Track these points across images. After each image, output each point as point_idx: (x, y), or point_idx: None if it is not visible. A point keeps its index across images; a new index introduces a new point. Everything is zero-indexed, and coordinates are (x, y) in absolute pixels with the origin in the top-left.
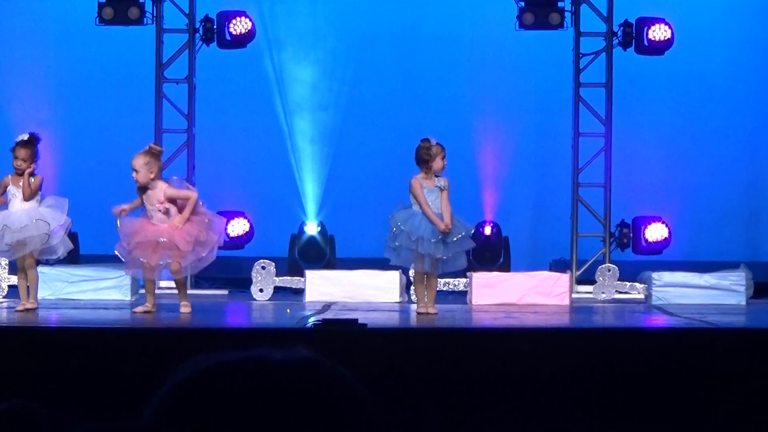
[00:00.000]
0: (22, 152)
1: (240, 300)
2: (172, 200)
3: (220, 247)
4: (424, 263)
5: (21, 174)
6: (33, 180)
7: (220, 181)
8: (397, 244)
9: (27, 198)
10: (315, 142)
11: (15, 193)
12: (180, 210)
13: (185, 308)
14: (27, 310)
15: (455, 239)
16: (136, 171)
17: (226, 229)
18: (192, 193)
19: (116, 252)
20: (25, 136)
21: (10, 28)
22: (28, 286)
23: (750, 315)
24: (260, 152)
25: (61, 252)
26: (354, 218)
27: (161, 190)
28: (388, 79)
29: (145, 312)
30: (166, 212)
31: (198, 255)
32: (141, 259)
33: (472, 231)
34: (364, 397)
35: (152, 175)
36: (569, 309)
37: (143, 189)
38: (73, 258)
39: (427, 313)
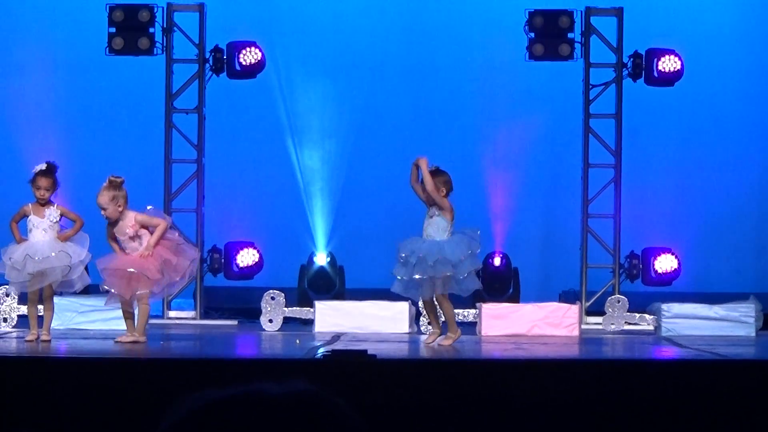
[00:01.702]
0: (44, 182)
1: (249, 330)
2: (144, 227)
3: (194, 275)
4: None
5: (43, 204)
6: (55, 210)
7: (229, 211)
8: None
9: (79, 228)
10: (324, 173)
11: (36, 223)
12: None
13: (128, 338)
14: (42, 341)
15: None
16: (103, 209)
17: (206, 259)
18: (161, 221)
19: (101, 288)
20: (43, 166)
21: (21, 58)
22: (39, 316)
23: (760, 346)
24: (270, 183)
25: (78, 286)
26: (363, 249)
27: (131, 218)
28: (397, 109)
29: (134, 342)
30: (137, 238)
31: (171, 279)
32: (112, 290)
33: (479, 249)
34: (364, 429)
35: (120, 209)
36: (579, 340)
37: (114, 223)
38: (83, 288)
39: (439, 344)
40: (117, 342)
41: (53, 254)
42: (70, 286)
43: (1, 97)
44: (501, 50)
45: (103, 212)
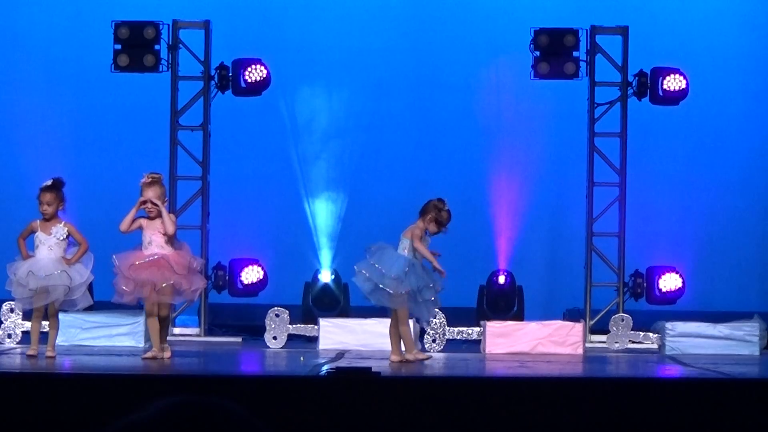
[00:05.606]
0: (47, 197)
1: (254, 347)
2: (171, 235)
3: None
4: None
5: (48, 219)
6: (63, 227)
7: (234, 228)
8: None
9: (83, 251)
10: (329, 190)
11: (43, 239)
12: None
13: (167, 352)
14: (47, 357)
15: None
16: (154, 204)
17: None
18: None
19: (114, 284)
20: (49, 182)
21: (27, 75)
22: (42, 332)
23: (764, 365)
24: (274, 200)
25: (81, 306)
26: None
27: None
28: (402, 127)
29: (153, 358)
30: (167, 241)
31: (191, 285)
32: (140, 277)
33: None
34: (245, 417)
35: (166, 203)
36: (582, 358)
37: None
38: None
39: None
40: (144, 359)
41: (56, 272)
42: (73, 306)
43: (6, 114)
44: (506, 69)
45: (151, 206)
